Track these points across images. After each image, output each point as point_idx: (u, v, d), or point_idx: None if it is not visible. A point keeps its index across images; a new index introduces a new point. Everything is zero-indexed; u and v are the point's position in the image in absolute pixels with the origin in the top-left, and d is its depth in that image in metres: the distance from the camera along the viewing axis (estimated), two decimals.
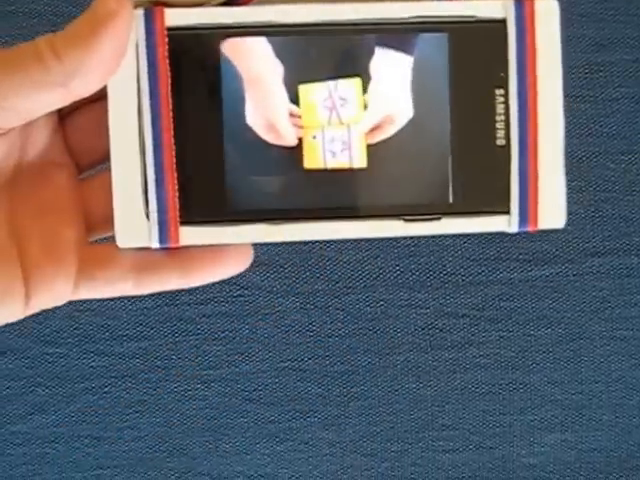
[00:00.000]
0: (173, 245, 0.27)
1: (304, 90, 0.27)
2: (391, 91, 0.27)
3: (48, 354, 0.48)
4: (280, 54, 0.27)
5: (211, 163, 0.27)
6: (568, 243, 0.49)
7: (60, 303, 0.27)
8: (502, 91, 0.27)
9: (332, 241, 0.48)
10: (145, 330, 0.48)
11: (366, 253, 0.48)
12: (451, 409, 0.51)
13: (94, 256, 0.27)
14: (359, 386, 0.50)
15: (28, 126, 0.26)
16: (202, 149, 0.27)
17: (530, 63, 0.26)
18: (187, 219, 0.27)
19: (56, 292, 0.27)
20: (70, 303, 0.46)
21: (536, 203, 0.26)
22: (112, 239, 0.27)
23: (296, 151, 0.27)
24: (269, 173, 0.27)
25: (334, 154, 0.28)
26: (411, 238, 0.49)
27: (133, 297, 0.47)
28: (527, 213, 0.27)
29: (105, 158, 0.27)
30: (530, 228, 0.27)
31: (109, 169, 0.26)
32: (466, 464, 0.51)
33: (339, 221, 0.27)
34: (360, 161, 0.28)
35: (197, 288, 0.48)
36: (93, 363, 0.49)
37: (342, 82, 0.27)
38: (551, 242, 0.49)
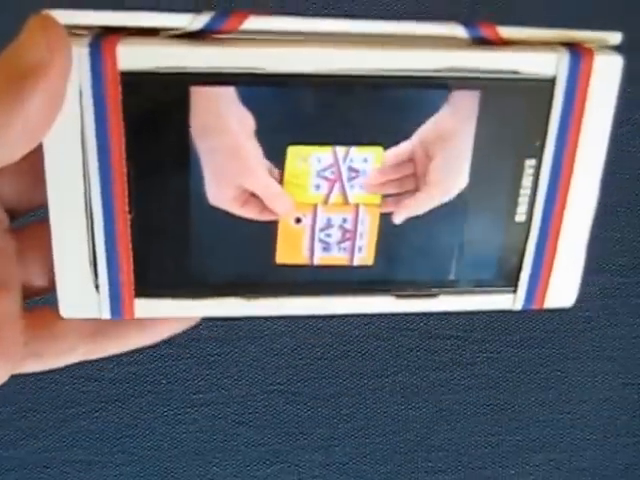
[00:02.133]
0: (127, 317, 0.23)
1: (295, 153, 0.21)
2: (446, 162, 0.22)
3: (39, 380, 0.49)
4: (260, 106, 0.21)
5: (172, 232, 0.22)
6: None
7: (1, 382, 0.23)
8: (534, 162, 0.22)
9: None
10: (135, 355, 0.49)
11: None
12: (440, 430, 0.51)
13: (38, 328, 0.23)
14: (348, 408, 0.50)
15: None
16: (162, 216, 0.22)
17: (573, 131, 0.22)
18: (143, 291, 0.22)
19: None
20: None
21: (547, 284, 0.24)
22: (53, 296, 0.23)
23: (269, 233, 0.22)
24: (236, 254, 0.22)
25: (327, 246, 0.22)
26: None
27: None
28: (535, 293, 0.24)
29: (42, 205, 0.22)
30: (535, 307, 0.24)
31: (47, 219, 0.22)
32: None
33: (321, 296, 0.23)
34: (366, 257, 0.23)
35: None
36: (84, 388, 0.49)
37: (356, 151, 0.21)
38: None
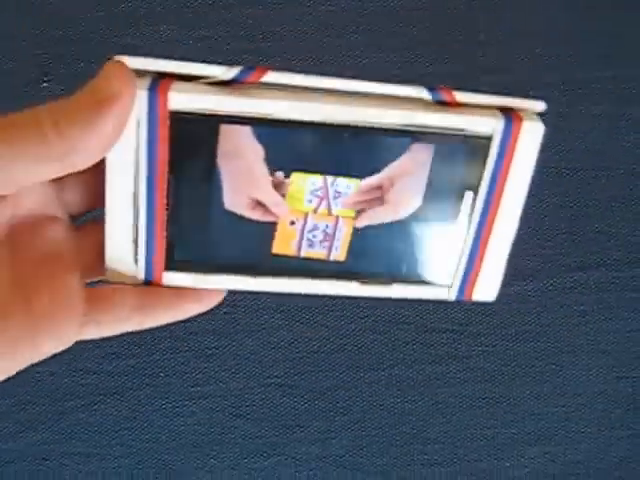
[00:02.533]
0: (156, 284, 0.30)
1: (296, 176, 0.29)
2: (405, 190, 0.30)
3: (38, 372, 0.49)
4: (269, 140, 0.28)
5: (195, 225, 0.29)
6: (549, 258, 0.50)
7: (65, 347, 0.27)
8: (472, 193, 0.30)
9: None
10: (133, 348, 0.49)
11: None
12: (435, 423, 0.52)
13: (98, 301, 0.28)
14: (344, 401, 0.51)
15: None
16: (190, 213, 0.29)
17: (502, 176, 0.30)
18: (169, 266, 0.29)
19: (64, 339, 0.27)
20: None
21: (474, 283, 0.32)
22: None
23: (270, 231, 0.30)
24: (242, 244, 0.30)
25: (312, 244, 0.30)
26: None
27: None
28: (465, 289, 0.32)
29: (95, 206, 0.29)
30: (465, 299, 0.32)
31: (101, 219, 0.29)
32: (451, 477, 0.52)
33: (303, 279, 0.30)
34: (340, 254, 0.30)
35: None
36: (82, 381, 0.49)
37: (341, 180, 0.29)
38: (533, 258, 0.50)
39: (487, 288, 0.32)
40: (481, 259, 0.31)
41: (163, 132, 0.28)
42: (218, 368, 0.50)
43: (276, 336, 0.50)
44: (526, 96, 0.29)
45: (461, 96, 0.29)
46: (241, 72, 0.27)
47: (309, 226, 0.29)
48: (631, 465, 0.53)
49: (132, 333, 0.51)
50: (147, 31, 0.46)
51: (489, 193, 0.30)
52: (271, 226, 0.29)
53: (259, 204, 0.29)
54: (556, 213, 0.49)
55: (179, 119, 0.27)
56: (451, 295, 0.31)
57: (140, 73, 0.27)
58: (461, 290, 0.31)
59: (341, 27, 0.47)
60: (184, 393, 0.50)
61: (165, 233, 0.29)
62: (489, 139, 0.29)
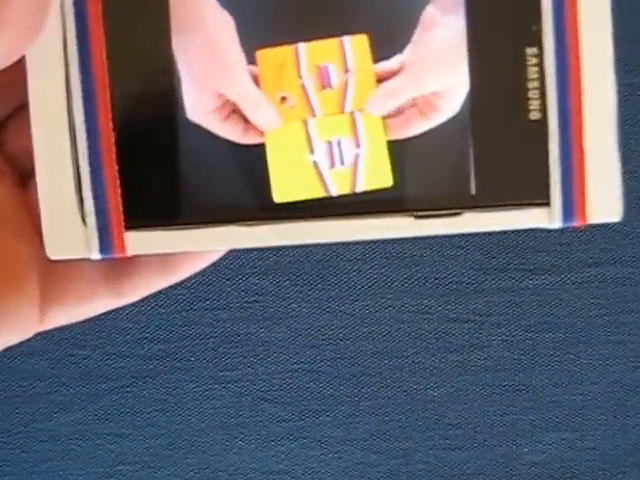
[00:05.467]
0: (118, 255, 0.20)
1: (283, 51, 0.19)
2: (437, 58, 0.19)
3: (72, 355, 0.50)
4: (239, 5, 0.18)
5: (161, 151, 0.19)
6: (567, 254, 0.51)
7: (27, 335, 0.22)
8: (535, 50, 0.20)
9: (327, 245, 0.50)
10: (165, 333, 0.51)
11: (374, 262, 0.51)
12: (457, 409, 0.53)
13: (58, 272, 0.22)
14: (369, 387, 0.52)
15: None
16: (149, 133, 0.19)
17: (570, 12, 0.19)
18: (134, 222, 0.20)
19: (21, 327, 0.21)
20: None
21: (583, 191, 0.21)
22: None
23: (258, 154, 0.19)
24: (233, 172, 0.20)
25: (333, 164, 0.20)
26: (417, 247, 0.51)
27: (153, 302, 0.50)
28: (572, 204, 0.20)
29: None
30: (577, 223, 0.21)
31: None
32: (471, 461, 0.54)
33: (328, 220, 0.20)
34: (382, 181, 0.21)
35: (214, 295, 0.50)
36: (115, 364, 0.51)
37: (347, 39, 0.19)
38: (551, 253, 0.51)
39: (605, 200, 0.21)
40: (581, 151, 0.20)
41: (94, 11, 0.18)
42: (247, 354, 0.51)
43: (303, 324, 0.51)
44: None
45: None
46: None
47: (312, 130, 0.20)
48: None
49: (163, 319, 0.53)
50: None
51: (559, 43, 0.19)
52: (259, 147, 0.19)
53: (234, 109, 0.20)
54: None
55: None
56: (554, 220, 0.20)
57: None
58: (567, 210, 0.20)
59: None
60: (214, 377, 0.51)
61: (117, 168, 0.19)
62: None
